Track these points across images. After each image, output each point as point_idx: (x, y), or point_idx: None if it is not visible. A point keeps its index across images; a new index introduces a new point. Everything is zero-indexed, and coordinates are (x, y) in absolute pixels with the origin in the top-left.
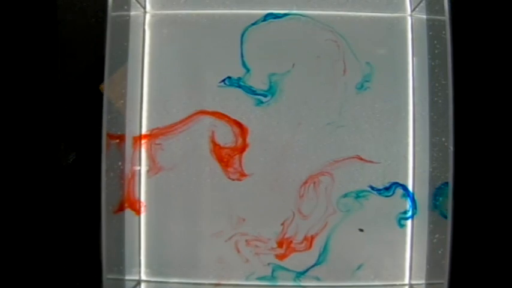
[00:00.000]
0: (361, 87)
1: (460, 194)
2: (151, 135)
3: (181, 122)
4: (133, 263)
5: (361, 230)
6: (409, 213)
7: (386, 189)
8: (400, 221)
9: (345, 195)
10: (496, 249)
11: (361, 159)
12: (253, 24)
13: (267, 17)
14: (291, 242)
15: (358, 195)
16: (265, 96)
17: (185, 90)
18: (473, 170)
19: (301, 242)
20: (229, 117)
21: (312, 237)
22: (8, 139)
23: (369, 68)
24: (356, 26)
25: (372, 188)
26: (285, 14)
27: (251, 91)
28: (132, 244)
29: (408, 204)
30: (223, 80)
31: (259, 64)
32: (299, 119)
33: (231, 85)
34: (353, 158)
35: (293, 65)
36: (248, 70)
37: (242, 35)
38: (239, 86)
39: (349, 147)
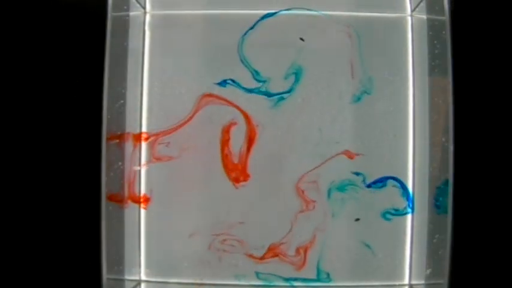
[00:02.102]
0: (358, 99)
1: (460, 193)
2: (157, 135)
3: (192, 113)
4: (133, 263)
5: (357, 220)
6: (402, 209)
7: (375, 182)
8: (385, 215)
9: (338, 190)
10: (497, 249)
11: (350, 155)
12: (251, 27)
13: (264, 17)
14: (281, 252)
15: (344, 188)
16: (288, 92)
17: (185, 90)
18: (473, 169)
19: (295, 256)
20: (244, 113)
21: (306, 248)
22: (8, 139)
23: (369, 82)
24: (356, 25)
25: (368, 186)
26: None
27: (267, 96)
28: (132, 244)
29: (400, 200)
30: (224, 83)
31: (265, 65)
32: (300, 121)
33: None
34: (350, 157)
35: (302, 39)
36: (263, 82)
37: (242, 43)
38: (250, 92)
39: (349, 148)
